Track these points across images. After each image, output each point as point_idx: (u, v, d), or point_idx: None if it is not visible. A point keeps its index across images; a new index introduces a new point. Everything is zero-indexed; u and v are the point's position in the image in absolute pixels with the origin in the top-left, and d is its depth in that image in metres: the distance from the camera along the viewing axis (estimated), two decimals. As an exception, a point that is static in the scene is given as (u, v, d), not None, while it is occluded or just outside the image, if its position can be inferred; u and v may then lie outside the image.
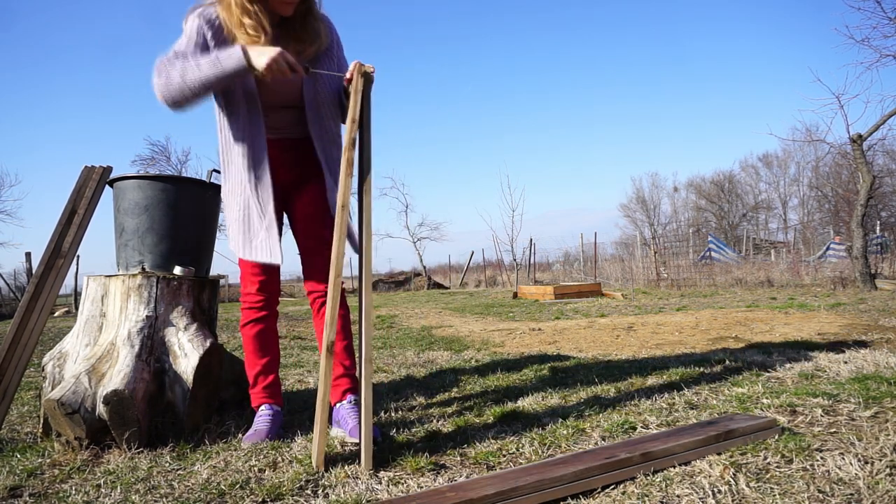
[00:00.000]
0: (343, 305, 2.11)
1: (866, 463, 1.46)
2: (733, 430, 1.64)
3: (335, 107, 2.07)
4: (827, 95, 12.53)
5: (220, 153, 2.03)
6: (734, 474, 1.44)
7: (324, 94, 2.02)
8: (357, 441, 1.82)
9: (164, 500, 1.52)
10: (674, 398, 2.24)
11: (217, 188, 2.47)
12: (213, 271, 2.68)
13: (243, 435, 2.01)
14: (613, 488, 1.43)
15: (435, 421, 2.13)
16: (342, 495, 1.48)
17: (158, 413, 2.05)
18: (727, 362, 2.89)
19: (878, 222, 19.14)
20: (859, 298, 6.73)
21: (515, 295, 11.47)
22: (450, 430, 2.02)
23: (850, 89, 25.36)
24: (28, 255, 14.60)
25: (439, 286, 21.90)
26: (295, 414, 2.36)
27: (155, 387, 2.06)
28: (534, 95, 64.66)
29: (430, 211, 75.81)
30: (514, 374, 3.05)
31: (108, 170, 2.50)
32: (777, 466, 1.48)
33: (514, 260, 18.08)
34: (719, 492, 1.36)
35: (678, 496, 1.36)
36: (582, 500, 1.39)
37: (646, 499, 1.36)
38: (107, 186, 2.47)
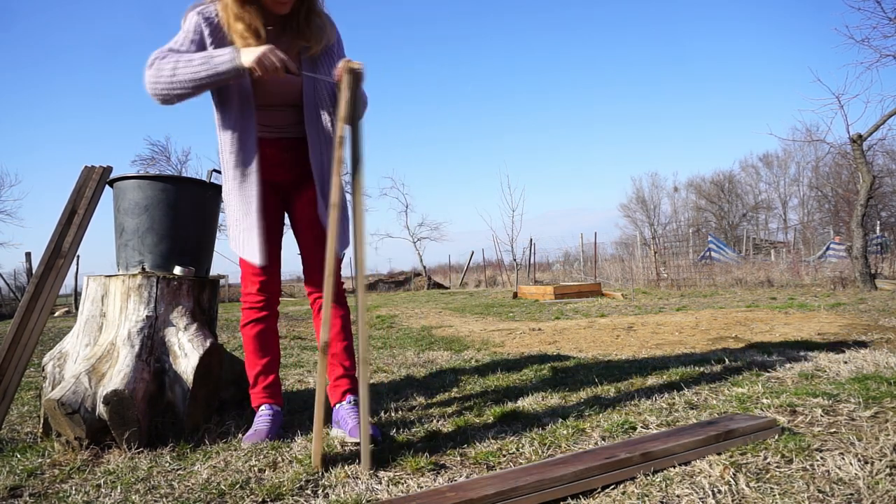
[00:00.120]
0: (343, 306, 2.11)
1: (866, 463, 1.46)
2: (733, 430, 1.64)
3: (335, 106, 2.07)
4: (827, 95, 12.55)
5: (219, 152, 2.04)
6: (734, 474, 1.44)
7: (323, 93, 2.02)
8: (357, 441, 1.82)
9: (164, 500, 1.52)
10: (674, 398, 2.24)
11: (217, 188, 2.47)
12: (213, 271, 2.68)
13: (243, 435, 2.01)
14: (613, 488, 1.43)
15: (435, 421, 2.13)
16: (342, 495, 1.48)
17: (158, 413, 2.05)
18: (727, 362, 2.90)
19: (878, 222, 19.14)
20: (859, 298, 6.73)
21: (515, 295, 11.47)
22: (450, 430, 2.02)
23: (850, 89, 25.37)
24: (28, 255, 14.61)
25: (439, 286, 21.90)
26: (295, 414, 2.36)
27: (155, 387, 2.06)
28: (534, 95, 64.68)
29: (430, 211, 75.87)
30: (514, 374, 3.05)
31: (108, 170, 2.50)
32: (777, 466, 1.48)
33: (514, 260, 18.08)
34: (719, 492, 1.36)
35: (678, 496, 1.36)
36: (582, 500, 1.39)
37: (646, 499, 1.36)
38: (107, 186, 2.47)
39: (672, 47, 59.89)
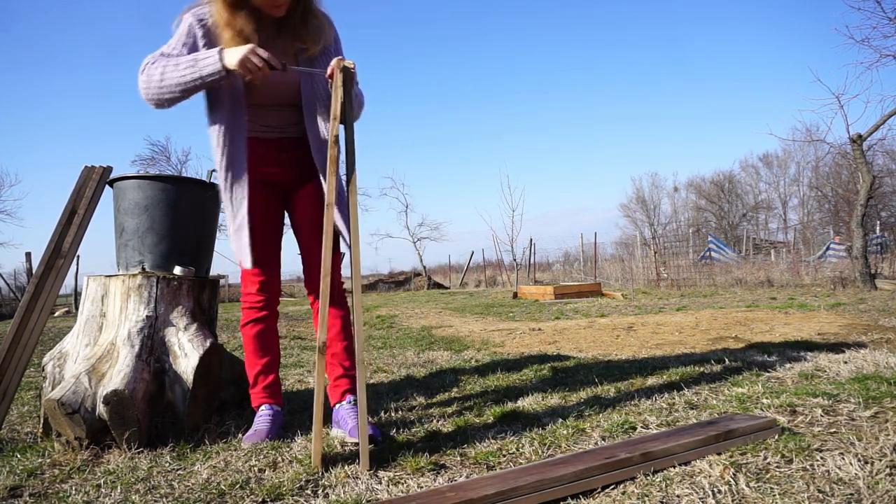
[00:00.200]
0: (343, 306, 2.11)
1: (866, 463, 1.46)
2: (733, 430, 1.64)
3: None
4: (827, 95, 12.55)
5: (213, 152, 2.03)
6: (734, 474, 1.44)
7: (322, 92, 2.01)
8: (357, 441, 1.82)
9: (164, 500, 1.52)
10: (674, 398, 2.24)
11: (217, 188, 2.47)
12: (213, 271, 2.68)
13: (243, 435, 2.01)
14: (613, 488, 1.43)
15: (435, 421, 2.13)
16: (342, 495, 1.48)
17: (158, 413, 2.05)
18: (727, 362, 2.90)
19: (878, 222, 19.14)
20: (859, 298, 6.73)
21: (515, 295, 11.47)
22: (450, 430, 2.02)
23: (850, 89, 25.37)
24: (28, 255, 14.61)
25: (439, 286, 21.90)
26: (295, 414, 2.36)
27: (155, 387, 2.06)
28: (534, 95, 64.65)
29: (430, 211, 75.81)
30: (514, 374, 3.05)
31: (108, 170, 2.49)
32: (777, 466, 1.48)
33: (514, 260, 18.08)
34: (719, 492, 1.36)
35: (678, 496, 1.36)
36: (582, 500, 1.39)
37: (646, 499, 1.36)
38: (107, 186, 2.47)
39: (672, 47, 59.92)
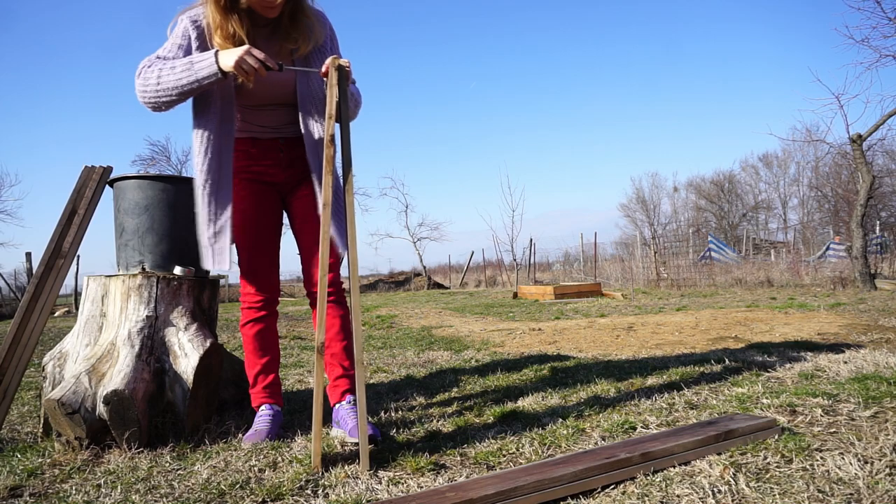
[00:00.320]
0: (342, 306, 2.11)
1: (866, 463, 1.46)
2: (733, 430, 1.64)
3: None
4: (827, 95, 12.56)
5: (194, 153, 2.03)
6: (734, 474, 1.44)
7: (318, 92, 2.01)
8: (357, 441, 1.82)
9: (164, 500, 1.52)
10: (674, 398, 2.24)
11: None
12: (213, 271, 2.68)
13: (243, 435, 2.01)
14: (613, 488, 1.43)
15: (435, 421, 2.13)
16: (342, 495, 1.48)
17: (158, 413, 2.05)
18: (727, 362, 2.90)
19: (878, 222, 19.13)
20: (859, 298, 6.73)
21: (515, 295, 11.47)
22: (450, 430, 2.02)
23: (850, 89, 25.36)
24: (28, 255, 14.60)
25: (439, 286, 21.90)
26: (295, 414, 2.36)
27: (155, 387, 2.06)
28: (534, 95, 64.60)
29: (430, 211, 75.83)
30: (514, 374, 3.05)
31: (108, 170, 2.50)
32: (777, 466, 1.48)
33: (514, 260, 18.09)
34: (719, 492, 1.36)
35: (678, 496, 1.36)
36: (582, 500, 1.39)
37: (646, 499, 1.36)
38: (107, 186, 2.47)
39: (672, 47, 59.87)
